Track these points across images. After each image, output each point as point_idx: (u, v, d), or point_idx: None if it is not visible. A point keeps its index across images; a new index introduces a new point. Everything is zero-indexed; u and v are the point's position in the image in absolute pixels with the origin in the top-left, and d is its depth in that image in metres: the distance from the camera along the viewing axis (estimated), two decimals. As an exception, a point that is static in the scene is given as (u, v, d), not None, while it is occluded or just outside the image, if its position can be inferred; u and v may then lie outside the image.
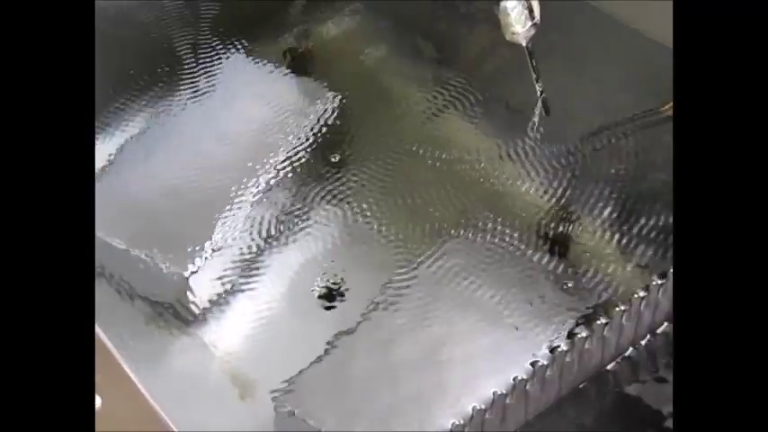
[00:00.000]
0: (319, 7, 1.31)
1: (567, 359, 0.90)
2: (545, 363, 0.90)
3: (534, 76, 1.07)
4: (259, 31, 1.27)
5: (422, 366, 0.92)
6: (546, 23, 1.04)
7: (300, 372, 0.94)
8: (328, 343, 0.96)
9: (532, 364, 0.90)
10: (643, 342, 0.95)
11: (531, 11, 1.02)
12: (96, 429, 0.71)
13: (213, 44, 1.27)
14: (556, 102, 1.11)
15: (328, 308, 1.01)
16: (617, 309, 0.92)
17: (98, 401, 0.77)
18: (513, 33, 1.03)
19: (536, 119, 1.11)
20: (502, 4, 1.01)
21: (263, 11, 1.31)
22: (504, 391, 0.88)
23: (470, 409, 0.87)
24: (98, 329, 0.83)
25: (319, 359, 0.95)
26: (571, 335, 0.92)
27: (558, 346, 0.91)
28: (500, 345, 0.93)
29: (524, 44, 1.04)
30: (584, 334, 0.91)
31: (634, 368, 0.95)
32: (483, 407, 0.88)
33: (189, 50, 1.26)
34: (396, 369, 0.93)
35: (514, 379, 0.89)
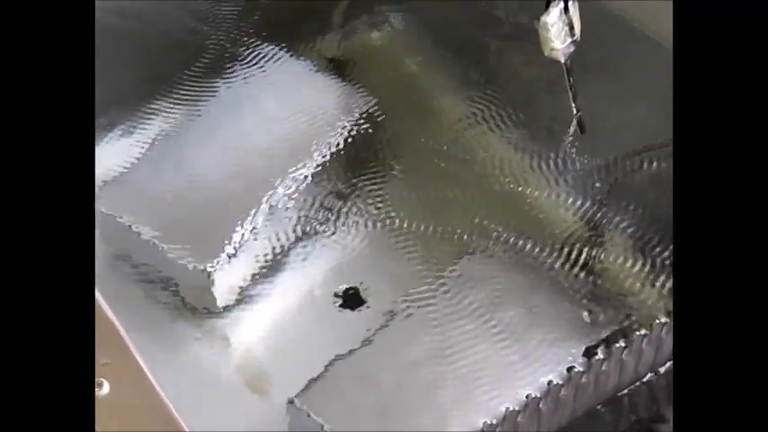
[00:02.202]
0: (360, 14, 1.31)
1: (583, 380, 0.89)
2: (560, 382, 0.88)
3: (571, 93, 1.06)
4: (299, 35, 1.27)
5: (435, 379, 0.92)
6: (587, 41, 1.03)
7: (317, 374, 0.93)
8: (347, 347, 0.95)
9: (547, 382, 0.89)
10: (663, 369, 0.94)
11: (571, 27, 1.01)
12: (102, 414, 0.71)
13: (253, 45, 1.27)
14: (592, 121, 1.10)
15: (349, 313, 1.01)
16: (637, 333, 0.91)
17: (106, 387, 0.77)
18: (552, 49, 1.01)
19: (571, 137, 1.10)
20: (542, 19, 1.00)
21: (304, 15, 1.31)
22: (517, 408, 0.87)
23: (481, 425, 0.86)
24: (112, 315, 0.83)
25: (337, 362, 0.94)
26: (589, 356, 0.91)
27: (574, 367, 0.89)
28: (515, 361, 0.91)
29: (563, 60, 1.03)
30: (601, 356, 0.90)
31: (652, 394, 0.93)
32: (494, 422, 0.86)
33: (229, 50, 1.26)
34: (409, 379, 0.92)
35: (527, 396, 0.88)
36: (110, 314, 0.83)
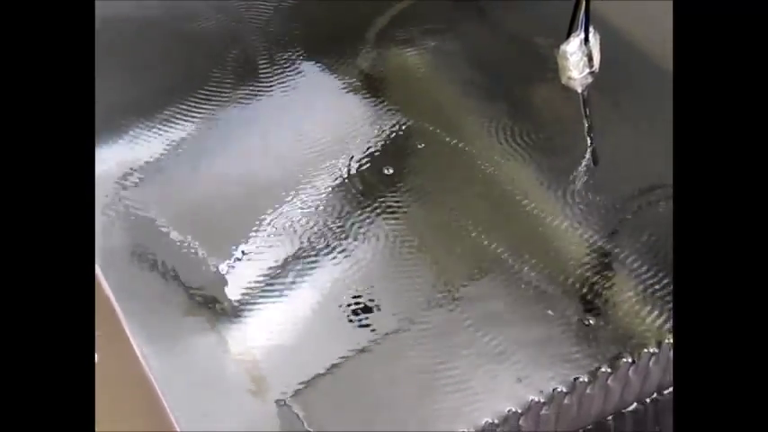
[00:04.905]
0: (397, 34, 1.34)
1: (566, 401, 0.90)
2: (542, 400, 0.89)
3: (586, 124, 1.07)
4: (333, 49, 1.31)
5: (423, 392, 0.93)
6: (609, 74, 1.04)
7: (313, 378, 0.95)
8: (345, 356, 0.97)
9: (529, 400, 0.90)
10: (649, 400, 0.94)
11: (590, 59, 1.02)
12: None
13: (286, 56, 1.30)
14: (610, 155, 1.11)
15: (355, 322, 1.02)
16: (623, 360, 0.92)
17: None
18: (570, 78, 1.03)
19: (583, 168, 1.11)
20: (562, 47, 1.02)
21: (339, 30, 1.35)
22: (496, 421, 0.88)
23: (462, 436, 0.88)
24: (111, 295, 0.87)
25: (333, 370, 0.96)
26: (573, 379, 0.91)
27: (557, 388, 0.90)
28: (501, 377, 0.93)
29: (579, 90, 1.04)
30: (585, 379, 0.91)
31: (637, 424, 0.94)
32: (473, 432, 0.88)
33: (263, 59, 1.30)
34: (399, 389, 0.94)
35: (508, 411, 0.89)
36: (109, 293, 0.86)
